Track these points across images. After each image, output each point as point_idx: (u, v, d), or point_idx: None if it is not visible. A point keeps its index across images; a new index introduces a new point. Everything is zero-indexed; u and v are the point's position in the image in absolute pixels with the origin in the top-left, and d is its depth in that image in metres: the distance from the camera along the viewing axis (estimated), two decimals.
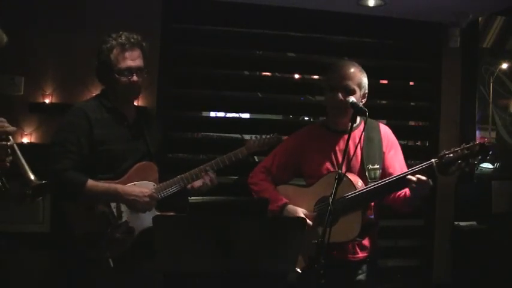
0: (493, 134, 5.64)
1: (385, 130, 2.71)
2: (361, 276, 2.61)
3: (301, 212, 2.58)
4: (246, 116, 4.93)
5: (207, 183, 2.66)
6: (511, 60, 5.68)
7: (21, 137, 3.70)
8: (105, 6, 3.74)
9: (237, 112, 4.81)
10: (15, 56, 3.67)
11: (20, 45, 3.68)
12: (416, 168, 2.39)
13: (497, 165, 4.90)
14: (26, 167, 2.06)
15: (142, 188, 2.53)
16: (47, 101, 3.73)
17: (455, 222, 4.23)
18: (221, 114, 4.99)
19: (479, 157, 2.28)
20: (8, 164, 2.00)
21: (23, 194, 2.05)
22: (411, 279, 4.27)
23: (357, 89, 2.59)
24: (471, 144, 2.30)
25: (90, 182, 2.43)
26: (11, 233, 3.53)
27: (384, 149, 2.64)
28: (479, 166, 4.01)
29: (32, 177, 2.05)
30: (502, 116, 5.70)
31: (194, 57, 4.10)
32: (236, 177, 4.20)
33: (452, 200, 4.28)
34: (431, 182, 2.38)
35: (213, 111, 4.98)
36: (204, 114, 5.03)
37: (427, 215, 4.31)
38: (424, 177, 2.34)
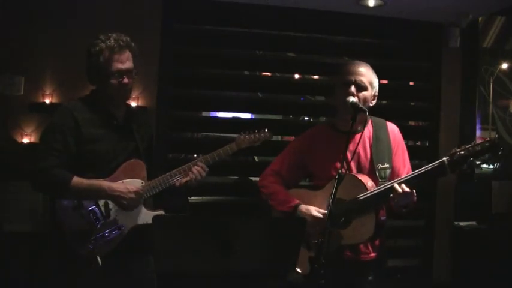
0: (493, 134, 5.64)
1: (392, 129, 2.68)
2: (370, 276, 2.59)
3: (314, 210, 2.55)
4: (246, 116, 4.93)
5: (193, 178, 2.62)
6: (511, 60, 5.68)
7: (21, 137, 3.70)
8: (105, 7, 3.75)
9: (237, 112, 4.81)
10: (15, 56, 3.68)
11: (20, 45, 3.69)
12: (428, 167, 2.37)
13: (497, 165, 4.91)
14: None
15: (128, 184, 2.52)
16: (47, 101, 3.73)
17: (455, 222, 4.23)
18: (221, 114, 4.98)
19: (489, 154, 2.28)
20: None
21: None
22: (411, 279, 4.27)
23: (369, 87, 2.57)
24: (482, 141, 2.30)
25: (76, 179, 2.42)
26: (11, 232, 3.54)
27: (393, 148, 2.62)
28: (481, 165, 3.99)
29: None
30: (502, 116, 5.70)
31: (194, 57, 4.10)
32: (236, 177, 4.20)
33: (452, 200, 4.28)
34: (415, 193, 2.38)
35: (213, 111, 4.98)
36: (204, 114, 5.03)
37: (427, 215, 4.31)
38: (408, 189, 2.35)
